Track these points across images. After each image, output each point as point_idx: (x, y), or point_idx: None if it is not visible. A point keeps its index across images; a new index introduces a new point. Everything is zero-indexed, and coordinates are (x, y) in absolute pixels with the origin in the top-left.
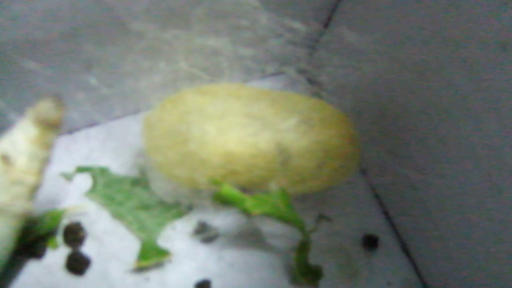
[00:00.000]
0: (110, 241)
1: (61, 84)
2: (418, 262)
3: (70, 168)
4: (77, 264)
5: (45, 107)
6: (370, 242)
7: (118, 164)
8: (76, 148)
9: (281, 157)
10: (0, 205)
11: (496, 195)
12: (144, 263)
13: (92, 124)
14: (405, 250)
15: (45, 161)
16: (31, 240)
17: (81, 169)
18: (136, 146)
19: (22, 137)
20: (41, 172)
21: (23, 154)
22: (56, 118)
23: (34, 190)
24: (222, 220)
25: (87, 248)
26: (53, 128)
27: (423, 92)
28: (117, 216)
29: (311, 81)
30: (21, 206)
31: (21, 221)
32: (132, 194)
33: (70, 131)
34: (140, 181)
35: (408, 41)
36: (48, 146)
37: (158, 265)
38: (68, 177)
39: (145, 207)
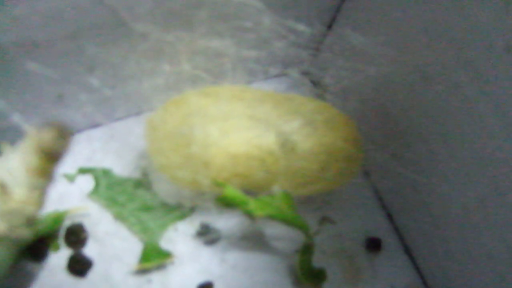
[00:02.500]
0: (112, 243)
1: (63, 86)
2: (421, 265)
3: (72, 170)
4: (79, 266)
5: (50, 136)
6: (374, 245)
7: (121, 166)
8: (79, 150)
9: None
10: (4, 231)
11: (499, 198)
12: (146, 265)
13: (94, 125)
14: (408, 253)
15: (46, 189)
16: (33, 242)
17: (83, 171)
18: (139, 148)
19: (21, 166)
20: (41, 200)
21: (22, 184)
22: (61, 149)
23: (33, 218)
24: (225, 222)
25: (89, 250)
26: (56, 158)
27: (427, 95)
28: (120, 217)
29: (314, 83)
30: (19, 233)
31: (19, 246)
32: (135, 196)
33: (72, 132)
34: (142, 182)
35: (412, 43)
36: (49, 175)
37: (160, 267)
38: (70, 178)
39: (148, 208)
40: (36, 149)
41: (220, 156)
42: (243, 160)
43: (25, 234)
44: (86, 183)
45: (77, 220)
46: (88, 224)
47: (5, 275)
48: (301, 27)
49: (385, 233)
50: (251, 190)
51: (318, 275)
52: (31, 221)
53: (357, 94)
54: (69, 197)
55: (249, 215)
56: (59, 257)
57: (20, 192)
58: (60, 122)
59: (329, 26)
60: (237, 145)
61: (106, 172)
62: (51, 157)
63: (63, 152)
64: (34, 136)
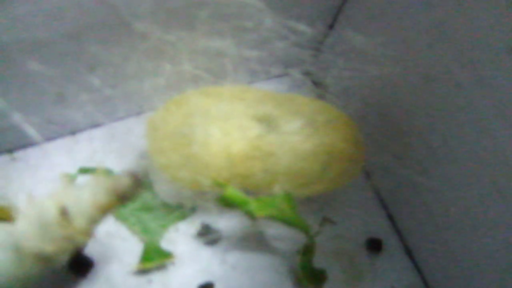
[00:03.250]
0: (113, 243)
1: (64, 85)
2: (422, 266)
3: (72, 169)
4: (80, 266)
5: (127, 184)
6: (374, 245)
7: (121, 166)
8: (79, 149)
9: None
10: (42, 255)
11: (501, 199)
12: (147, 265)
13: (95, 125)
14: (409, 253)
15: (99, 224)
16: None
17: (84, 170)
18: (140, 148)
19: (90, 200)
20: (92, 233)
21: (84, 216)
22: (131, 196)
23: (80, 247)
24: (226, 223)
25: (90, 250)
26: (124, 202)
27: (428, 95)
28: (120, 217)
29: (315, 83)
30: (60, 258)
31: (51, 267)
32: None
33: (73, 132)
34: (143, 183)
35: (414, 43)
36: (108, 213)
37: (161, 267)
38: (70, 178)
39: (148, 209)
40: (109, 191)
41: (221, 156)
42: (244, 160)
43: (64, 259)
44: None
45: None
46: None
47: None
48: (302, 27)
49: (386, 234)
50: (252, 191)
51: (318, 276)
52: (75, 249)
53: (358, 94)
54: None
55: (250, 215)
56: None
57: (80, 222)
58: (137, 172)
59: (331, 27)
60: (238, 145)
61: (107, 172)
62: (120, 200)
63: (130, 198)
64: (113, 180)
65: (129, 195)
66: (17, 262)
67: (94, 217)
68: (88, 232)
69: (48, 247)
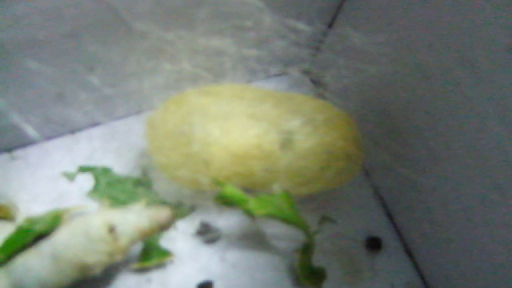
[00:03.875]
0: None
1: (63, 84)
2: (421, 264)
3: (72, 168)
4: None
5: (165, 215)
6: (374, 244)
7: (121, 165)
8: (79, 148)
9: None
10: (86, 265)
11: (500, 197)
12: (146, 264)
13: (94, 124)
14: (408, 252)
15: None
16: (32, 240)
17: (83, 169)
18: (139, 147)
19: (135, 223)
20: (128, 253)
21: (127, 236)
22: (169, 226)
23: (113, 263)
24: (225, 221)
25: None
26: (161, 231)
27: (427, 94)
28: None
29: (315, 82)
30: (93, 270)
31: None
32: (135, 195)
33: (73, 131)
34: (142, 181)
35: (413, 42)
36: (146, 238)
37: (160, 265)
38: (70, 177)
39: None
40: (152, 219)
41: (220, 155)
42: (244, 159)
43: (98, 271)
44: (86, 181)
45: None
46: None
47: None
48: (301, 26)
49: (385, 233)
50: (251, 189)
51: (318, 274)
52: (108, 265)
53: (358, 93)
54: (69, 195)
55: (249, 214)
56: None
57: (123, 241)
58: (172, 208)
59: (330, 25)
60: (238, 144)
61: (106, 171)
62: (158, 229)
63: (165, 229)
64: (156, 209)
65: (168, 225)
66: (53, 270)
67: (135, 239)
68: (126, 251)
69: (89, 259)
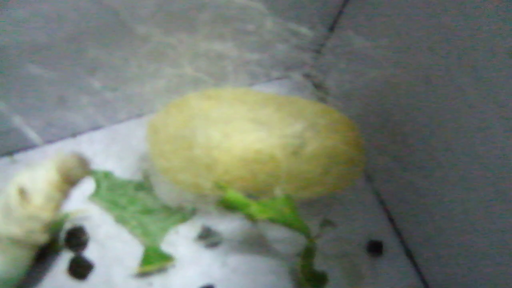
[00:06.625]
0: (113, 246)
1: (64, 88)
2: (423, 268)
3: None
4: (80, 269)
5: (71, 164)
6: (375, 248)
7: (122, 168)
8: (80, 152)
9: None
10: (15, 237)
11: (501, 201)
12: (147, 268)
13: (95, 127)
14: (410, 256)
15: (60, 203)
16: None
17: None
18: (140, 150)
19: (44, 177)
20: (54, 211)
21: (41, 193)
22: (78, 178)
23: (49, 225)
24: (227, 225)
25: (90, 253)
26: (73, 182)
27: (429, 98)
28: (121, 220)
29: (316, 86)
30: (35, 238)
31: (36, 250)
32: (136, 199)
33: (73, 135)
34: (143, 185)
35: (415, 46)
36: (65, 192)
37: (161, 270)
38: None
39: (149, 211)
40: (61, 170)
41: (222, 159)
42: (245, 163)
43: (41, 239)
44: (87, 185)
45: (78, 222)
46: (89, 227)
47: (23, 277)
48: (303, 29)
49: (387, 237)
50: (253, 193)
51: (319, 278)
52: (45, 227)
53: (360, 97)
54: (70, 199)
55: (251, 218)
56: (59, 259)
57: (38, 200)
58: (81, 155)
59: (331, 29)
60: (239, 148)
61: (107, 175)
62: (68, 178)
63: (79, 178)
64: (59, 159)
65: (75, 173)
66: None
67: (51, 195)
68: (49, 209)
69: (15, 229)
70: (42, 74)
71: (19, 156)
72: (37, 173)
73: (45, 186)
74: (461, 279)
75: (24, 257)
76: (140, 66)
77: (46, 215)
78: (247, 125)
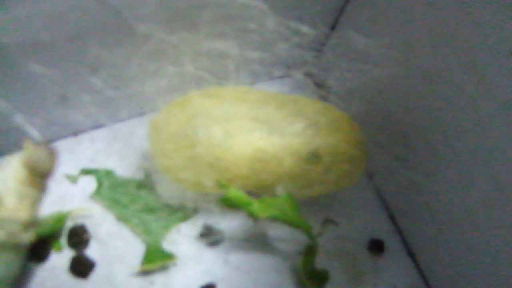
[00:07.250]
0: (115, 244)
1: (66, 86)
2: (424, 267)
3: (74, 170)
4: (81, 267)
5: (37, 157)
6: (376, 246)
7: (124, 167)
8: (81, 150)
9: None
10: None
11: (503, 200)
12: (149, 267)
13: (97, 126)
14: (411, 254)
15: (37, 198)
16: (35, 243)
17: (86, 171)
18: (142, 149)
19: (12, 176)
20: (32, 208)
21: (12, 193)
22: (47, 169)
23: (28, 223)
24: (228, 224)
25: (92, 251)
26: (42, 173)
27: (431, 97)
28: (122, 218)
29: (318, 85)
30: (17, 239)
31: (22, 250)
32: (137, 197)
33: (75, 133)
34: (145, 184)
35: (417, 45)
36: (39, 186)
37: (163, 268)
38: (72, 179)
39: (150, 210)
40: (28, 164)
41: (223, 157)
42: (247, 161)
43: (24, 238)
44: (89, 184)
45: (79, 221)
46: (90, 225)
47: (15, 278)
48: (304, 28)
49: (388, 235)
50: (254, 192)
51: (321, 277)
52: (26, 227)
53: (361, 95)
54: (72, 198)
55: (252, 216)
56: (61, 258)
57: (10, 201)
58: (46, 145)
59: (333, 28)
60: (241, 147)
61: (109, 173)
62: (37, 171)
63: (49, 169)
64: (24, 154)
65: (43, 165)
66: None
67: (23, 192)
68: (25, 208)
69: None
70: (43, 72)
71: None
72: (4, 173)
73: (15, 185)
74: (462, 277)
75: (12, 258)
76: (142, 65)
77: (23, 214)
78: (249, 123)
